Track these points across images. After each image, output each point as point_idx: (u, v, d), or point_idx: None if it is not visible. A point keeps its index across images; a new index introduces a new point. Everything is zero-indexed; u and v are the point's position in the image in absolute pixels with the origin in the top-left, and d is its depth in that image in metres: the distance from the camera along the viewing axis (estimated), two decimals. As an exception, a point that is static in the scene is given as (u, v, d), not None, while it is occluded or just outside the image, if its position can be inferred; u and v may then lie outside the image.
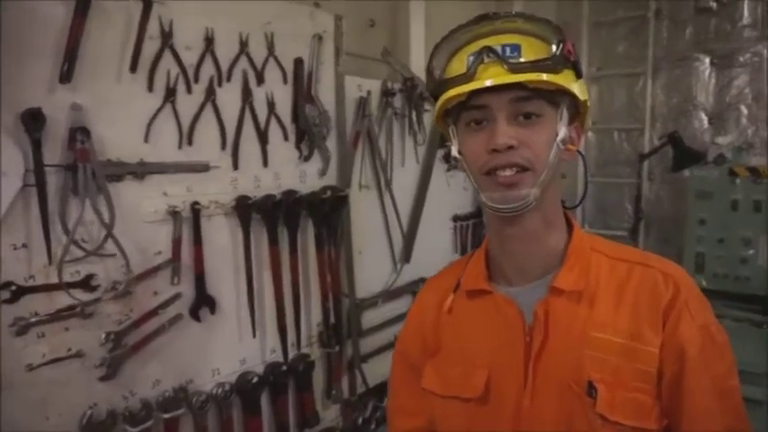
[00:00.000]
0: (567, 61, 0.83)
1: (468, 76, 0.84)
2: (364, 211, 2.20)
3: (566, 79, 0.84)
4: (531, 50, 0.83)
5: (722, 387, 0.83)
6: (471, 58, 0.84)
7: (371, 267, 2.26)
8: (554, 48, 0.82)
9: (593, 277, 0.89)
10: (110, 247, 1.36)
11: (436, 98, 0.90)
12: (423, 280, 2.43)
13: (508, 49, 0.83)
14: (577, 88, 0.86)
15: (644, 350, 0.83)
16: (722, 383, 0.84)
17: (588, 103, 0.91)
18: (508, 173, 0.82)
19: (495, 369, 0.91)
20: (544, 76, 0.81)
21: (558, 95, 0.84)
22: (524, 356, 0.88)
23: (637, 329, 0.84)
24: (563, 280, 0.88)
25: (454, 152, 0.91)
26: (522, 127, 0.83)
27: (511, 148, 0.81)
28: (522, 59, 0.83)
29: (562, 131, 0.85)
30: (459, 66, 0.87)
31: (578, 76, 0.87)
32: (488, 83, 0.81)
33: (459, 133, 0.90)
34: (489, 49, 0.83)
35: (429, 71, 0.91)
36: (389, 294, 2.35)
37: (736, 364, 0.86)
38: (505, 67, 0.82)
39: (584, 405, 0.83)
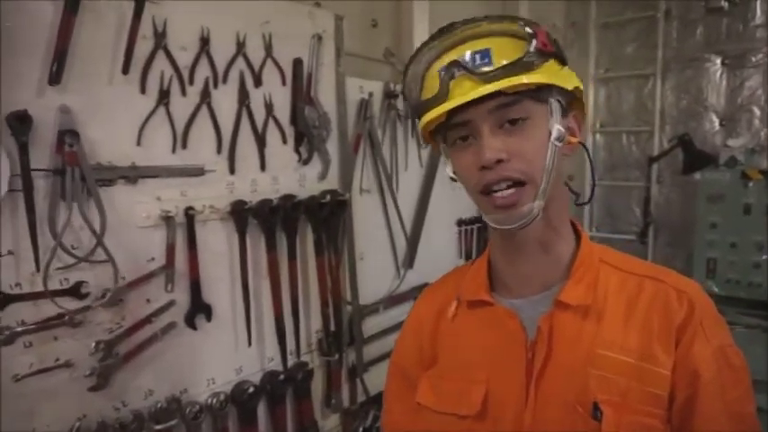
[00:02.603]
0: (544, 55, 0.78)
1: (441, 96, 0.79)
2: (366, 216, 2.15)
3: (547, 73, 0.78)
4: (503, 52, 0.78)
5: (737, 414, 0.78)
6: (442, 74, 0.79)
7: (373, 273, 2.21)
8: (527, 44, 0.77)
9: (602, 291, 0.84)
10: (101, 253, 1.32)
11: (419, 120, 0.86)
12: (426, 286, 2.37)
13: (478, 57, 0.78)
14: (563, 78, 0.81)
15: (655, 372, 0.77)
16: (737, 410, 0.78)
17: (581, 88, 0.85)
18: (505, 193, 0.77)
19: (494, 385, 0.86)
20: (523, 79, 0.75)
21: (543, 92, 0.79)
22: (526, 373, 0.83)
23: (647, 349, 0.79)
24: (569, 294, 0.83)
25: (449, 173, 0.87)
26: (509, 135, 0.78)
27: (500, 161, 0.76)
28: (493, 66, 0.77)
29: (555, 129, 0.79)
30: (432, 84, 0.82)
31: (562, 63, 0.82)
32: (462, 99, 0.76)
33: (450, 152, 0.86)
34: (456, 64, 0.78)
35: (404, 95, 0.87)
36: (392, 301, 2.30)
37: (752, 389, 0.81)
38: (476, 78, 0.76)
39: (589, 428, 0.77)
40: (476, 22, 0.80)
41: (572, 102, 0.85)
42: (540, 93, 0.78)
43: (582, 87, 0.85)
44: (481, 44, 0.79)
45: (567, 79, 0.82)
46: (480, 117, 0.77)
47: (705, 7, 3.13)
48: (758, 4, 2.99)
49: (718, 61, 3.15)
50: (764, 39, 2.99)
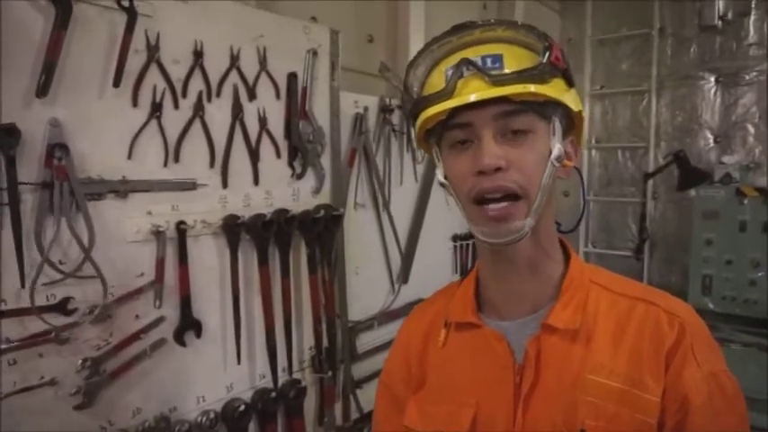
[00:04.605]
0: (555, 69, 0.76)
1: (446, 93, 0.76)
2: (360, 231, 2.13)
3: (556, 89, 0.77)
4: (514, 60, 0.76)
5: None
6: (450, 72, 0.77)
7: (368, 288, 2.19)
8: (540, 56, 0.76)
9: (591, 313, 0.82)
10: (89, 268, 1.30)
11: (415, 118, 0.83)
12: (421, 301, 2.35)
13: (489, 61, 0.76)
14: (570, 98, 0.79)
15: (644, 398, 0.75)
16: None
17: (583, 114, 0.84)
18: (498, 205, 0.75)
19: (483, 409, 0.84)
20: (531, 88, 0.74)
21: (549, 108, 0.77)
22: (513, 397, 0.81)
23: (637, 374, 0.76)
24: (557, 317, 0.81)
25: (440, 177, 0.83)
26: (510, 145, 0.75)
27: (499, 169, 0.74)
28: (505, 70, 0.75)
29: (556, 148, 0.78)
30: (437, 81, 0.80)
31: (569, 84, 0.80)
32: (470, 98, 0.74)
33: (443, 156, 0.83)
34: (468, 62, 0.76)
35: (406, 89, 0.84)
36: (387, 316, 2.28)
37: (747, 418, 0.78)
38: (487, 79, 0.74)
39: None
40: (491, 25, 0.78)
41: (571, 126, 0.84)
42: (545, 109, 0.77)
43: (584, 114, 0.84)
44: (494, 48, 0.77)
45: (573, 100, 0.80)
46: (483, 121, 0.75)
47: (699, 25, 3.16)
48: (751, 22, 3.02)
49: (713, 79, 3.17)
50: (758, 57, 3.02)
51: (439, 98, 0.77)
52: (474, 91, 0.75)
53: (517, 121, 0.76)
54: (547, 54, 0.75)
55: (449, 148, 0.81)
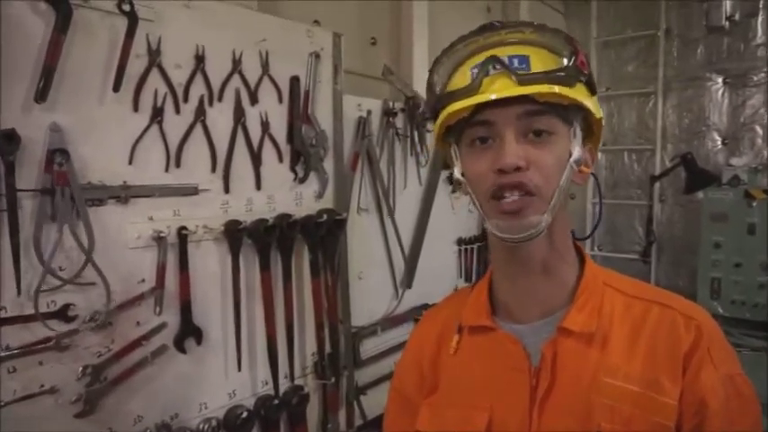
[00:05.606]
0: (580, 74, 0.76)
1: (472, 89, 0.76)
2: (363, 235, 2.12)
3: (579, 94, 0.76)
4: (540, 62, 0.76)
5: None
6: (475, 71, 0.77)
7: (372, 293, 2.18)
8: (566, 60, 0.75)
9: (606, 316, 0.81)
10: (89, 274, 1.29)
11: (436, 115, 0.83)
12: (425, 306, 2.34)
13: (516, 61, 0.76)
14: (592, 104, 0.79)
15: (660, 401, 0.74)
16: None
17: (603, 122, 0.84)
18: (514, 197, 0.75)
19: (497, 412, 0.83)
20: (556, 89, 0.73)
21: (571, 112, 0.77)
22: (529, 400, 0.80)
23: (653, 377, 0.76)
24: (573, 320, 0.81)
25: (457, 174, 0.83)
26: (532, 145, 0.75)
27: (519, 168, 0.74)
28: (531, 71, 0.75)
29: (576, 150, 0.78)
30: (461, 79, 0.80)
31: (592, 91, 0.80)
32: (495, 96, 0.74)
33: (462, 153, 0.83)
34: (495, 60, 0.75)
35: (429, 86, 0.84)
36: (390, 321, 2.26)
37: (762, 420, 0.78)
38: (514, 78, 0.74)
39: None
40: (518, 27, 0.79)
41: (590, 134, 0.84)
42: (567, 112, 0.77)
43: (603, 123, 0.84)
44: (520, 50, 0.78)
45: (594, 107, 0.80)
46: (506, 120, 0.75)
47: (706, 26, 3.13)
48: (759, 23, 2.99)
49: (720, 80, 3.15)
50: (765, 58, 2.99)
51: (464, 94, 0.77)
52: (500, 89, 0.75)
53: (540, 122, 0.75)
54: (573, 58, 0.75)
55: (468, 146, 0.81)
